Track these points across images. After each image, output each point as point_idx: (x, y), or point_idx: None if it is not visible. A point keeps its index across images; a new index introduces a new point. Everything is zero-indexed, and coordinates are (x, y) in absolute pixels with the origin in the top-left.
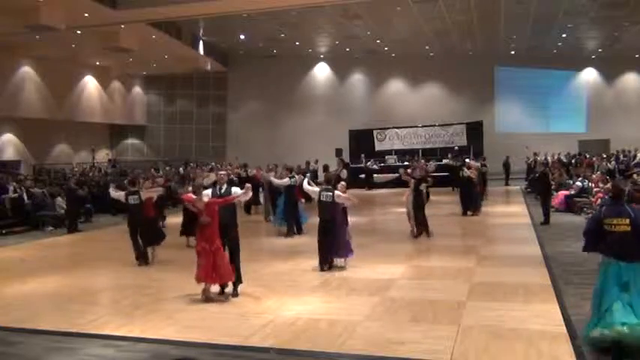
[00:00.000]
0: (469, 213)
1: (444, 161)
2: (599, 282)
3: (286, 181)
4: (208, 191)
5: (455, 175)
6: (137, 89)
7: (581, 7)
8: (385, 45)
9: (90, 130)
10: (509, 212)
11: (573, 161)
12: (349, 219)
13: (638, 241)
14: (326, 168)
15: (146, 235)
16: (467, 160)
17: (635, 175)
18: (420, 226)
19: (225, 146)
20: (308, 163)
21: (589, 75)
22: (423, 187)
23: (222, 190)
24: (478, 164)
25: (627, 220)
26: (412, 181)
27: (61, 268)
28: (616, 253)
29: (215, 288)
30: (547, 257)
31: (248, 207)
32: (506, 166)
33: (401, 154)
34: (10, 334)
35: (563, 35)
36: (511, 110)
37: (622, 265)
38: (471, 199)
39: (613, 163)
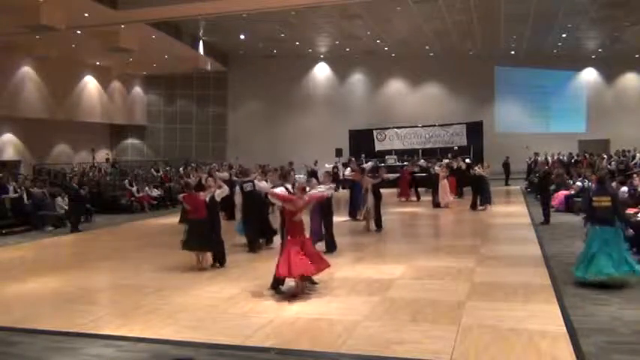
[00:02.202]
0: (480, 208)
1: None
2: (588, 240)
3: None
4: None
5: (463, 176)
6: (137, 89)
7: (581, 7)
8: (385, 45)
9: (90, 130)
10: (509, 212)
11: (573, 161)
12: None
13: (615, 211)
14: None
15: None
16: (467, 160)
17: (635, 175)
18: (377, 220)
19: (225, 146)
20: (291, 164)
21: (589, 75)
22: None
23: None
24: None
25: (608, 199)
26: (371, 183)
27: (61, 268)
28: (601, 221)
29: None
30: (547, 257)
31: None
32: (506, 166)
33: (400, 154)
34: (10, 334)
35: (563, 35)
36: (511, 110)
37: (605, 228)
38: (483, 194)
39: (613, 164)
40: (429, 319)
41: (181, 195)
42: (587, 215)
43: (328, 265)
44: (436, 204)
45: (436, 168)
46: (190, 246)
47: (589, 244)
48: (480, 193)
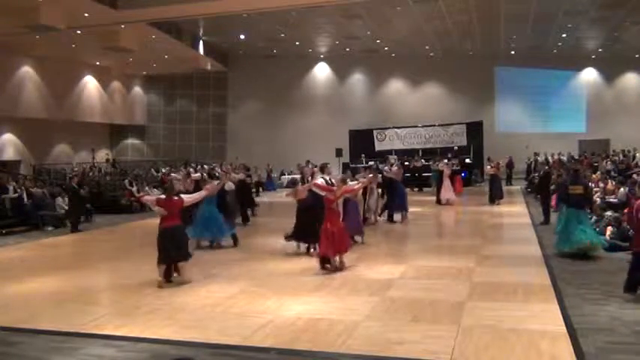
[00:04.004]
0: (496, 202)
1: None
2: (564, 219)
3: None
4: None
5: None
6: (137, 89)
7: (581, 7)
8: (385, 45)
9: (90, 130)
10: (510, 212)
11: (573, 161)
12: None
13: (586, 197)
14: None
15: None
16: (467, 160)
17: (634, 176)
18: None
19: (225, 146)
20: (247, 168)
21: (589, 75)
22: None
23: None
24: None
25: (581, 187)
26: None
27: (61, 268)
28: (575, 205)
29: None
30: (547, 257)
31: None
32: (509, 166)
33: (401, 154)
34: (10, 334)
35: (563, 35)
36: (511, 110)
37: (579, 211)
38: (493, 190)
39: (610, 164)
40: (429, 319)
41: (154, 198)
42: (562, 200)
43: (351, 244)
44: (439, 201)
45: (440, 165)
46: (171, 257)
47: (566, 224)
48: (490, 189)
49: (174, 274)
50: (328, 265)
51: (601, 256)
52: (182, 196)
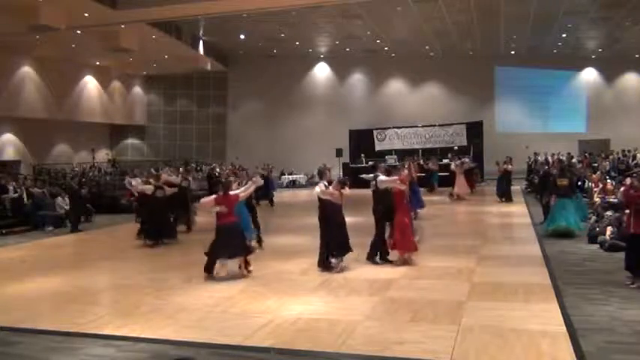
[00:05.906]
0: (503, 200)
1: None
2: (554, 207)
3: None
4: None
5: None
6: (137, 89)
7: (581, 7)
8: (385, 45)
9: (90, 130)
10: (509, 212)
11: (573, 161)
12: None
13: (570, 188)
14: None
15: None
16: (466, 159)
17: (634, 175)
18: None
19: (225, 146)
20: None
21: (589, 75)
22: None
23: None
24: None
25: (566, 180)
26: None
27: (61, 268)
28: (562, 195)
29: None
30: (547, 257)
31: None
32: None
33: (401, 154)
34: (10, 334)
35: (563, 35)
36: (511, 110)
37: (564, 199)
38: (499, 188)
39: (609, 163)
40: (429, 319)
41: (212, 198)
42: (552, 192)
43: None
44: (454, 195)
45: (452, 166)
46: (229, 254)
47: (554, 209)
48: (497, 187)
49: (242, 269)
50: (395, 258)
51: (601, 255)
52: (236, 191)
